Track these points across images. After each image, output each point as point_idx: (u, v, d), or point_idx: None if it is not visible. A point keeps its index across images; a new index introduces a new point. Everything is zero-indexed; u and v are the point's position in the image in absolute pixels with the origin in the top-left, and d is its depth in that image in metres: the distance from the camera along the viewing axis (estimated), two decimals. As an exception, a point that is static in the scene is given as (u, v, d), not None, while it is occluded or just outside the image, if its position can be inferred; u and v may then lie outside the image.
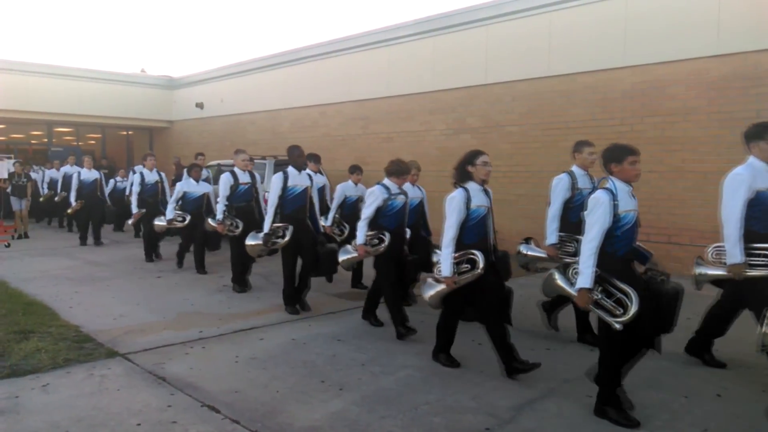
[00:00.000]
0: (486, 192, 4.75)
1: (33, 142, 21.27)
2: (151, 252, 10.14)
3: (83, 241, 12.03)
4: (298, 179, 6.55)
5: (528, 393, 4.25)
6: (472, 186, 4.67)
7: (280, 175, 6.48)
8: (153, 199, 10.19)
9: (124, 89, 19.84)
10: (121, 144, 22.51)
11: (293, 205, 6.51)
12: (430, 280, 4.84)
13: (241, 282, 7.67)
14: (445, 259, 4.57)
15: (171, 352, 5.16)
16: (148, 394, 4.19)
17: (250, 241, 6.74)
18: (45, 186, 15.17)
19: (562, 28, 10.40)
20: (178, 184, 9.27)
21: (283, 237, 6.41)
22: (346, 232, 7.70)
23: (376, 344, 5.42)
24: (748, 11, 8.39)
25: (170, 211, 8.97)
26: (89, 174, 12.15)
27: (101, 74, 19.64)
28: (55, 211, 15.10)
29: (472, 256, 4.56)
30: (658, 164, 9.21)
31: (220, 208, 7.60)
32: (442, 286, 4.65)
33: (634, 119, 9.55)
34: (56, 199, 13.76)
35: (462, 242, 4.62)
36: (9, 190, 13.08)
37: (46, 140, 20.31)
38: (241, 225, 7.53)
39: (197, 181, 9.11)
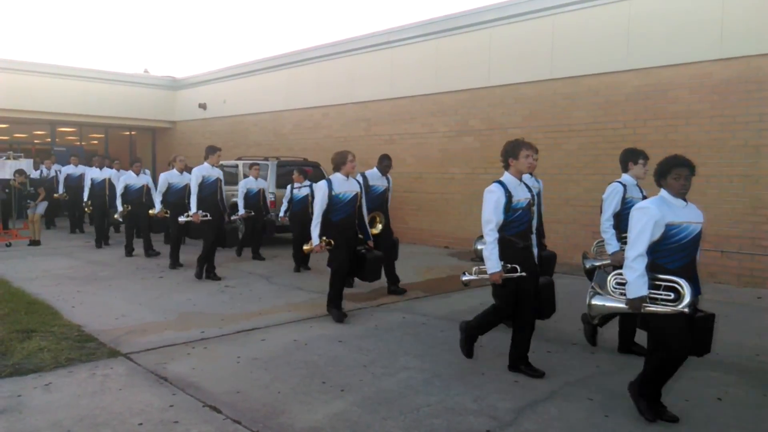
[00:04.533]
0: None
1: (36, 141, 21.32)
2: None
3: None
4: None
5: (529, 395, 4.26)
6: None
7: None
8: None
9: (128, 90, 19.86)
10: (124, 144, 22.54)
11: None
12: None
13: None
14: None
15: (173, 352, 5.17)
16: (150, 393, 4.21)
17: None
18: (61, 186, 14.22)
19: (566, 31, 10.41)
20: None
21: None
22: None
23: (378, 345, 5.43)
24: (752, 15, 8.39)
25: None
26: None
27: (104, 74, 19.67)
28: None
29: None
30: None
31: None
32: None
33: (636, 122, 9.55)
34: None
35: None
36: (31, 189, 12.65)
37: (49, 140, 20.35)
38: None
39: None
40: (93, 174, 12.06)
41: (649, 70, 9.40)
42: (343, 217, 6.25)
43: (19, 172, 12.30)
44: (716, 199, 8.66)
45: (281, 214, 9.81)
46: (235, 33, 47.60)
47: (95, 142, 22.92)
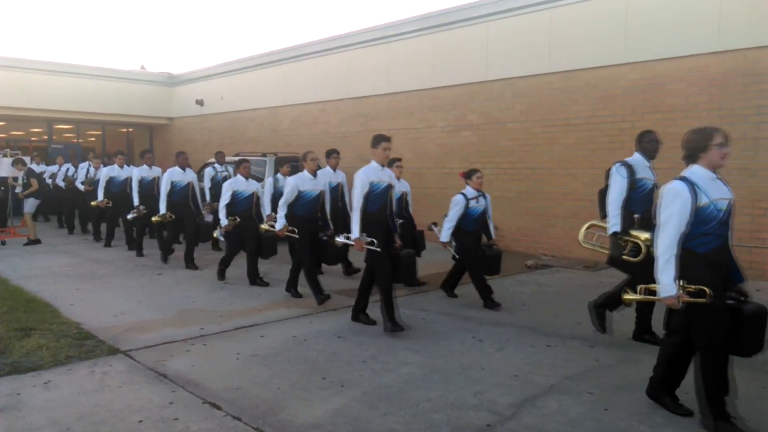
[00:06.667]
0: None
1: (33, 139, 21.25)
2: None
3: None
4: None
5: (529, 389, 4.26)
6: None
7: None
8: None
9: (124, 86, 19.80)
10: (122, 141, 22.48)
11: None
12: None
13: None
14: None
15: (172, 349, 5.17)
16: (150, 391, 4.20)
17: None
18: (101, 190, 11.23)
19: (563, 25, 10.38)
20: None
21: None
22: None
23: (377, 341, 5.43)
24: (749, 8, 8.37)
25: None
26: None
27: (101, 71, 19.59)
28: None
29: None
30: (659, 161, 9.11)
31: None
32: None
33: (634, 116, 9.54)
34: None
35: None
36: (17, 190, 12.41)
37: (46, 137, 20.29)
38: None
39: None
40: (173, 175, 9.33)
41: (647, 63, 9.38)
42: (716, 246, 3.68)
43: (17, 161, 12.10)
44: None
45: (446, 238, 6.79)
46: (231, 29, 47.46)
47: (92, 139, 22.85)
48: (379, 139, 5.79)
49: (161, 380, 4.42)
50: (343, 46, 14.48)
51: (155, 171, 10.29)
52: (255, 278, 7.94)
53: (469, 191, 6.80)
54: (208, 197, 10.36)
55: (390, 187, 5.87)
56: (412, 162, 12.90)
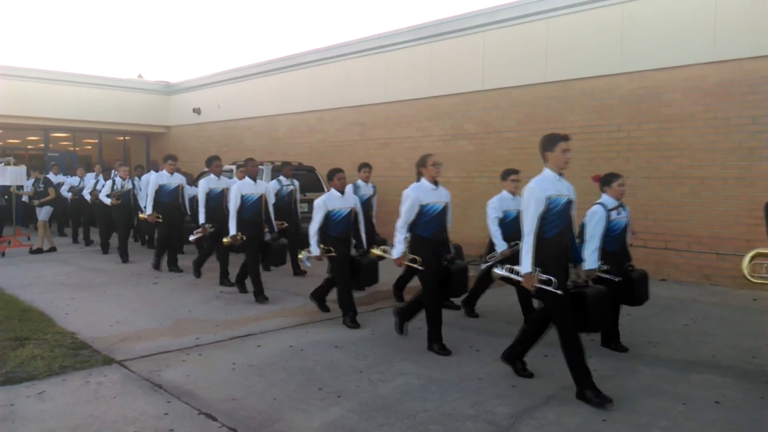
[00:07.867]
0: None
1: (29, 147, 21.24)
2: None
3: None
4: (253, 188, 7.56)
5: (527, 400, 4.24)
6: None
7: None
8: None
9: (121, 95, 19.83)
10: (118, 149, 22.48)
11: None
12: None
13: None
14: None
15: (168, 359, 5.14)
16: (145, 401, 4.17)
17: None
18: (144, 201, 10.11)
19: (559, 35, 10.43)
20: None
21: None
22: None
23: (374, 351, 5.40)
24: (744, 18, 8.43)
25: None
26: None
27: (98, 80, 19.62)
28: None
29: None
30: (655, 170, 9.23)
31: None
32: None
33: (631, 125, 9.57)
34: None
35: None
36: (24, 199, 12.12)
37: (42, 145, 20.28)
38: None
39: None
40: (243, 188, 7.57)
41: (643, 73, 9.43)
42: None
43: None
44: (711, 201, 8.68)
45: (595, 264, 5.17)
46: (229, 38, 47.61)
47: (89, 147, 22.87)
48: (556, 140, 4.27)
49: (156, 391, 4.38)
50: (340, 56, 14.52)
51: (224, 182, 8.69)
52: (349, 310, 6.34)
53: (608, 200, 5.35)
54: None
55: (570, 202, 4.33)
56: (409, 171, 12.88)
